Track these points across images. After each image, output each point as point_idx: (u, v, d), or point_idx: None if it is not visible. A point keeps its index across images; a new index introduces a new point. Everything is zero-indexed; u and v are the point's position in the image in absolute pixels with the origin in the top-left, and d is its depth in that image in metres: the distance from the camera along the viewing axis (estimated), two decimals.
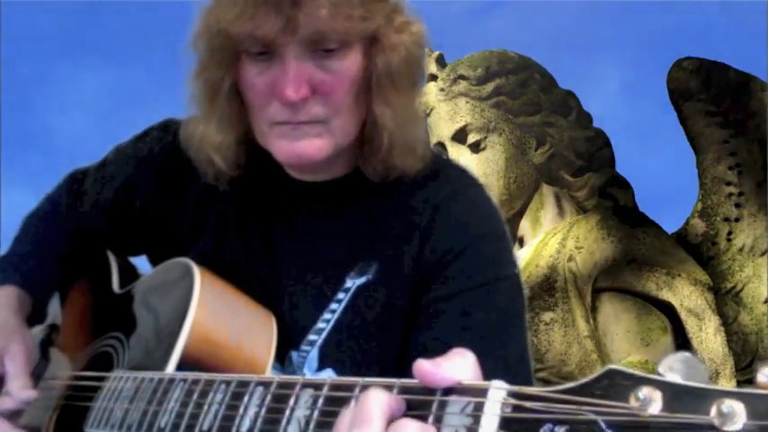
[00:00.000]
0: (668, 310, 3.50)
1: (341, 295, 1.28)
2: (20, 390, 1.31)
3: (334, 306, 1.28)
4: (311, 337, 1.28)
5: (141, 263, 1.56)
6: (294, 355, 1.28)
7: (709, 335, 3.49)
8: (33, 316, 1.47)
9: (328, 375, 1.25)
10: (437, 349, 1.20)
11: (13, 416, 1.32)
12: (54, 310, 1.56)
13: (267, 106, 1.22)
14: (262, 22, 1.16)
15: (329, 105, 1.22)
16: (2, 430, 1.30)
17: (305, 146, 1.23)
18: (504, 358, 1.21)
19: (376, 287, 1.27)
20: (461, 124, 3.82)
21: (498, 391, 0.65)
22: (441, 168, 1.34)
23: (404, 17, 1.25)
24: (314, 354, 1.27)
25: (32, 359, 1.39)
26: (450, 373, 0.74)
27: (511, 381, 0.72)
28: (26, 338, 1.39)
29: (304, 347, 1.28)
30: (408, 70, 1.25)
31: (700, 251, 3.78)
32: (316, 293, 1.29)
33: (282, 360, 1.28)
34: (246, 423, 0.94)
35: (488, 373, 0.81)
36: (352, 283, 1.28)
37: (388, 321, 1.26)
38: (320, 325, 1.28)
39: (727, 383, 3.39)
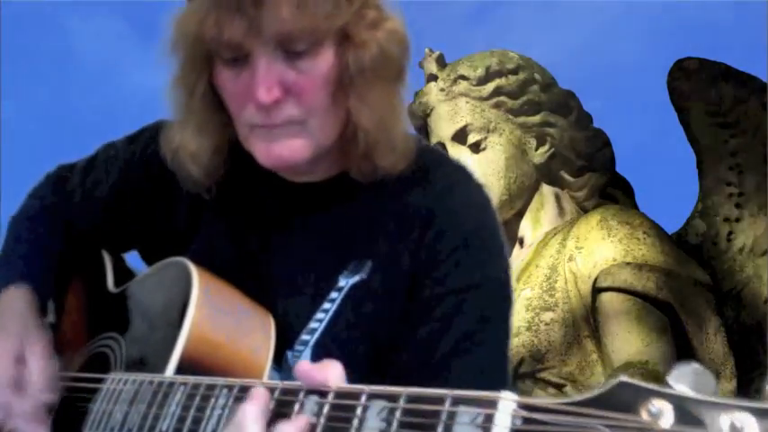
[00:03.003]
0: (668, 310, 3.49)
1: (334, 294, 1.28)
2: (41, 391, 1.31)
3: (327, 305, 1.28)
4: (304, 336, 1.28)
5: (137, 261, 1.56)
6: (289, 354, 1.29)
7: (709, 335, 3.49)
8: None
9: None
10: (419, 351, 1.21)
11: (39, 414, 1.32)
12: (51, 309, 1.56)
13: (243, 110, 1.22)
14: (226, 26, 1.16)
15: (304, 106, 1.21)
16: (31, 430, 1.30)
17: (282, 148, 1.23)
18: (480, 363, 1.22)
19: (370, 286, 1.27)
20: (461, 124, 3.82)
21: (508, 402, 0.65)
22: (437, 165, 1.34)
23: (377, 13, 1.25)
24: (307, 353, 1.27)
25: (52, 357, 1.38)
26: (321, 378, 0.88)
27: (485, 385, 0.72)
28: (46, 338, 1.39)
29: (298, 347, 1.28)
30: (383, 67, 1.24)
31: (700, 251, 3.77)
32: (309, 293, 1.29)
33: (279, 360, 1.28)
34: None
35: (462, 377, 0.81)
36: (346, 282, 1.28)
37: (383, 320, 1.26)
38: (313, 324, 1.28)
39: (728, 384, 3.39)
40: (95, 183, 1.51)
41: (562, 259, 3.68)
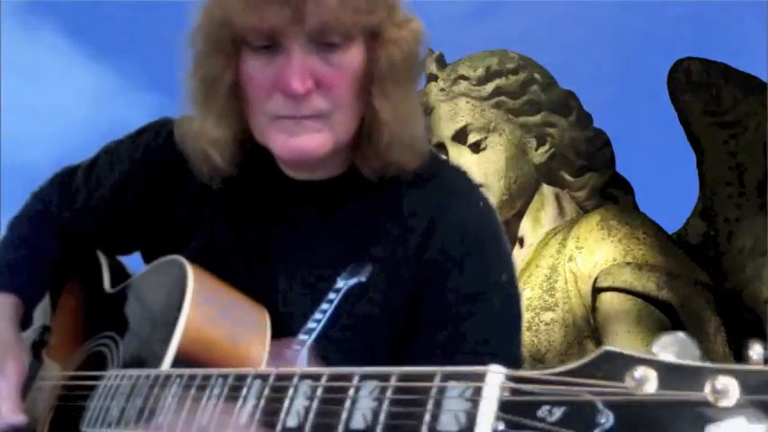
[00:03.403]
0: (668, 310, 3.49)
1: (332, 295, 1.28)
2: (9, 412, 1.31)
3: (324, 306, 1.28)
4: (302, 336, 1.28)
5: (133, 261, 1.56)
6: (287, 353, 1.29)
7: (709, 335, 3.49)
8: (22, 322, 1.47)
9: None
10: (432, 357, 1.21)
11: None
12: (44, 310, 1.56)
13: (268, 100, 1.22)
14: (269, 13, 1.16)
15: (331, 100, 1.22)
16: None
17: (305, 141, 1.23)
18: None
19: (368, 289, 1.27)
20: (462, 124, 3.82)
21: (496, 375, 0.66)
22: (437, 169, 1.34)
23: (403, 13, 1.28)
24: (304, 353, 1.28)
25: (25, 375, 1.38)
26: None
27: None
28: (22, 353, 1.39)
29: (295, 346, 1.28)
30: (408, 66, 1.27)
31: (700, 251, 3.77)
32: (307, 293, 1.30)
33: (279, 357, 1.28)
34: (245, 415, 0.95)
35: None
36: (344, 283, 1.28)
37: (380, 323, 1.27)
38: (311, 325, 1.28)
39: None
40: (98, 182, 1.51)
41: (562, 259, 3.68)
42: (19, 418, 1.30)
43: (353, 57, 1.23)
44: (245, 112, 1.27)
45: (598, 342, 3.54)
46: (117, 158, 1.50)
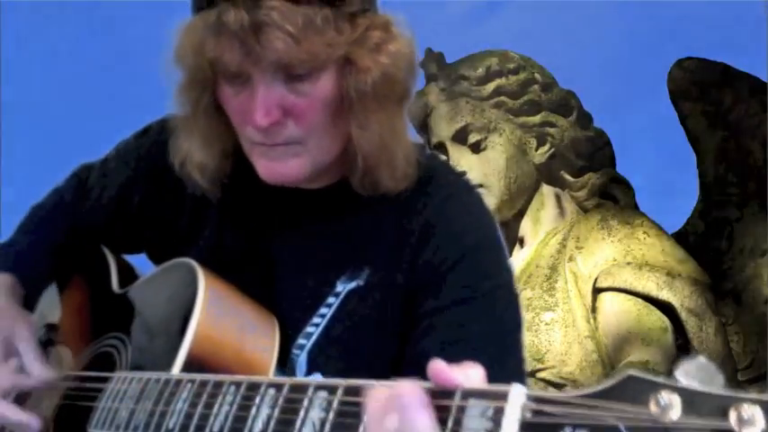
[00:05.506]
0: (668, 310, 3.50)
1: (331, 300, 1.28)
2: (41, 372, 1.32)
3: (324, 310, 1.28)
4: (301, 341, 1.28)
5: (140, 262, 1.57)
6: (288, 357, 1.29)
7: (709, 335, 3.50)
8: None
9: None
10: (429, 361, 1.21)
11: (20, 398, 1.34)
12: (53, 309, 1.56)
13: (245, 127, 1.23)
14: (225, 51, 1.16)
15: (303, 127, 1.21)
16: (12, 415, 1.30)
17: (282, 167, 1.23)
18: (503, 370, 1.21)
19: (367, 292, 1.27)
20: (462, 124, 3.82)
21: (519, 395, 0.66)
22: (435, 173, 1.34)
23: (382, 34, 1.22)
24: (303, 357, 1.28)
25: (36, 338, 1.40)
26: (459, 378, 0.75)
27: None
28: (29, 322, 1.40)
29: (295, 351, 1.28)
30: (385, 91, 1.22)
31: (700, 251, 3.77)
32: (307, 297, 1.30)
33: (285, 360, 1.29)
34: (259, 424, 0.95)
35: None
36: (343, 287, 1.28)
37: (379, 327, 1.27)
38: (309, 329, 1.28)
39: (728, 384, 3.40)
40: (108, 181, 1.52)
41: (562, 259, 3.69)
42: (51, 375, 1.33)
43: (324, 85, 1.19)
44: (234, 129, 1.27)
45: (598, 342, 3.55)
46: (125, 157, 1.51)
